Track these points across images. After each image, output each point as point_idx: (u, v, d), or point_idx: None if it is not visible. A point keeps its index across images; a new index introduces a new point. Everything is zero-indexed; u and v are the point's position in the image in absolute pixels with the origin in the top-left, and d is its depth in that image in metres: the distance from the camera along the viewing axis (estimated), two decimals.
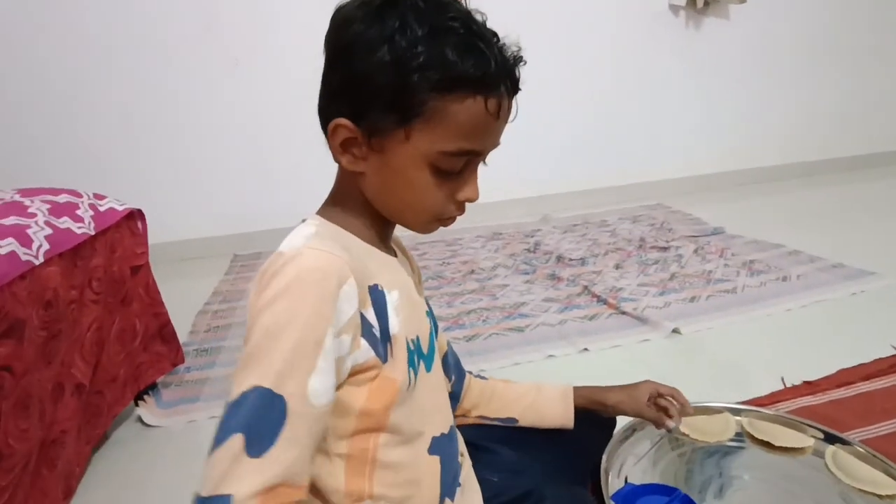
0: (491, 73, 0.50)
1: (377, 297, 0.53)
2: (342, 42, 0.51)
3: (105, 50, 2.01)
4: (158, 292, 1.17)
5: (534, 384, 0.84)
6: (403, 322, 0.56)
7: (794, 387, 1.11)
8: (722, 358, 1.27)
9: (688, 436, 0.97)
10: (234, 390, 0.46)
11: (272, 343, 0.46)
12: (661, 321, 1.39)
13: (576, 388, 0.83)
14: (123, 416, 1.16)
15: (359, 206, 0.57)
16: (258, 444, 0.45)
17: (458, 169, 0.54)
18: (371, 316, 0.52)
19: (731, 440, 0.95)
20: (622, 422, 0.95)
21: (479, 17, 0.53)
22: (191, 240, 2.23)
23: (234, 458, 0.44)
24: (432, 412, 0.62)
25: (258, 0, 2.09)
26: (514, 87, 0.53)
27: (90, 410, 0.99)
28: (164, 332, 1.20)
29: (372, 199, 0.56)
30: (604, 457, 0.88)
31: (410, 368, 0.57)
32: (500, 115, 0.53)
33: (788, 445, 0.92)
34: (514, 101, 0.55)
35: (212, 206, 2.24)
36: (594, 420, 0.93)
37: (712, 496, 0.85)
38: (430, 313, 0.66)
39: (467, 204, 0.57)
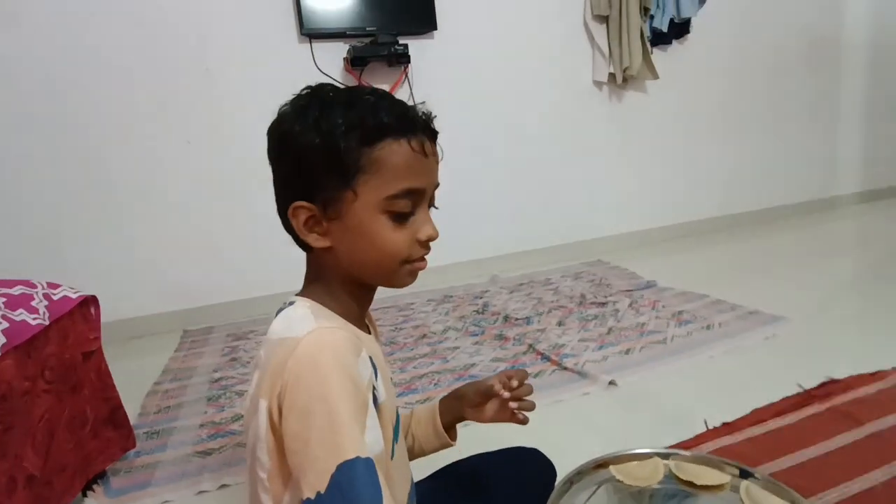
0: (406, 117, 0.59)
1: (372, 368, 0.59)
2: (280, 140, 0.61)
3: (49, 125, 2.05)
4: (110, 376, 1.19)
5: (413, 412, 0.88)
6: (387, 392, 0.63)
7: (715, 428, 1.22)
8: (653, 405, 1.37)
9: (621, 482, 1.06)
10: (319, 476, 0.49)
11: (332, 419, 0.51)
12: (598, 375, 1.50)
13: (441, 401, 0.87)
14: None
15: (337, 282, 0.63)
16: (374, 501, 0.50)
17: (409, 210, 0.60)
18: (376, 384, 0.59)
19: (660, 483, 1.04)
20: (563, 467, 1.03)
21: (422, 109, 0.62)
22: (138, 318, 2.21)
23: None
24: (401, 482, 0.69)
25: (210, 82, 2.21)
26: (430, 130, 0.62)
27: (40, 503, 0.98)
28: (116, 416, 1.20)
29: (347, 268, 0.62)
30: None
31: (394, 438, 0.64)
32: (426, 153, 0.60)
33: (709, 483, 1.02)
34: (438, 146, 0.63)
35: (159, 282, 2.25)
36: (539, 470, 1.01)
37: None
38: (392, 383, 0.73)
39: (424, 262, 0.63)
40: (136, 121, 2.14)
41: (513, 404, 0.82)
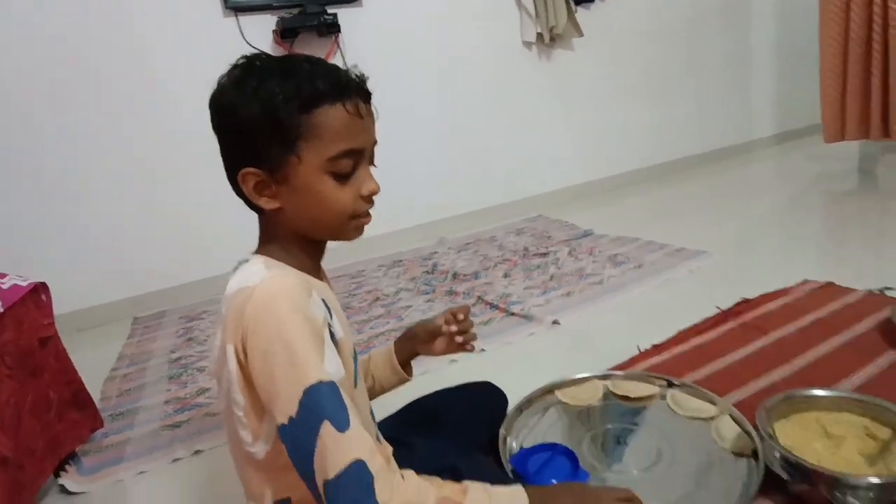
0: (339, 82, 0.63)
1: (326, 309, 0.65)
2: (221, 112, 0.65)
3: None
4: (69, 359, 1.20)
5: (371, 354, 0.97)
6: (344, 332, 0.68)
7: (646, 351, 1.37)
8: (593, 338, 1.51)
9: (566, 403, 1.18)
10: (288, 403, 0.56)
11: (291, 353, 0.57)
12: (543, 317, 1.62)
13: (395, 342, 0.96)
14: (46, 490, 1.16)
15: (289, 240, 0.68)
16: (342, 421, 0.56)
17: (350, 169, 0.64)
18: (332, 322, 0.64)
19: (600, 400, 1.17)
20: (515, 399, 1.14)
21: (354, 72, 0.66)
22: (86, 308, 2.17)
23: (334, 439, 0.55)
24: (364, 407, 0.76)
25: (140, 62, 2.13)
26: (364, 92, 0.65)
27: (14, 487, 1.00)
28: (79, 398, 1.22)
29: (297, 226, 0.67)
30: (501, 430, 1.06)
31: (355, 372, 0.71)
32: (362, 114, 0.64)
33: (641, 395, 1.16)
34: (373, 106, 0.67)
35: (103, 271, 2.20)
36: (491, 401, 1.11)
37: (588, 442, 1.05)
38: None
39: (369, 217, 0.68)
40: (68, 104, 2.05)
41: (458, 338, 0.92)
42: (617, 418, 1.12)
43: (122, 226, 2.20)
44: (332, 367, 0.60)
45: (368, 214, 0.69)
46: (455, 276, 2.10)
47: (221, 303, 0.66)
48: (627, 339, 1.44)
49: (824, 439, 0.91)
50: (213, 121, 0.66)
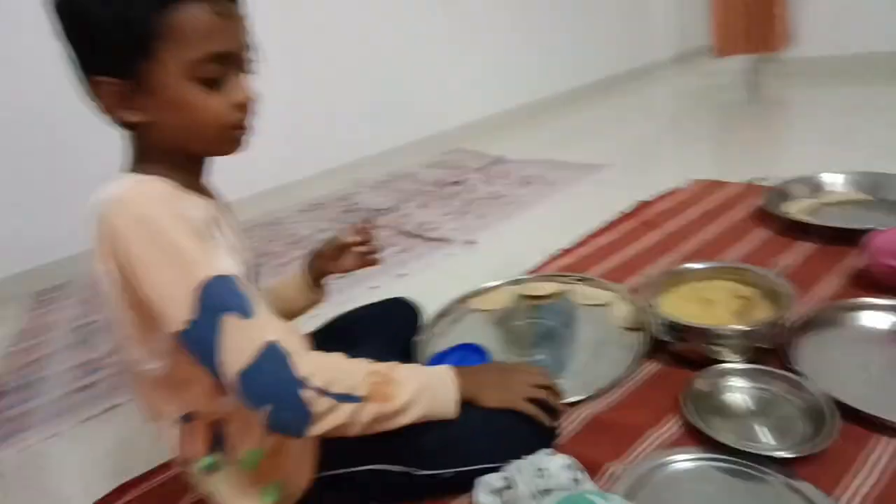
0: None
1: (212, 220, 0.62)
2: (71, 15, 0.58)
3: None
4: None
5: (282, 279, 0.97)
6: (241, 244, 0.67)
7: (554, 256, 1.45)
8: (507, 253, 1.58)
9: (480, 309, 1.25)
10: (181, 306, 0.54)
11: (174, 254, 0.54)
12: (458, 238, 1.67)
13: (303, 262, 0.96)
14: None
15: (161, 156, 0.62)
16: (246, 308, 0.55)
17: (219, 74, 0.59)
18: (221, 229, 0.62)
19: (510, 303, 1.25)
20: (431, 308, 1.19)
21: None
22: None
23: (240, 328, 0.54)
24: None
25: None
26: None
27: None
28: None
29: (171, 141, 0.61)
30: (416, 339, 1.11)
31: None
32: (228, 14, 0.59)
33: (549, 293, 1.24)
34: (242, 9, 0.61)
35: None
36: (405, 315, 1.14)
37: (500, 339, 1.12)
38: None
39: (248, 128, 0.64)
40: None
41: (363, 247, 0.92)
42: (526, 315, 1.20)
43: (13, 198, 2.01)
44: (224, 263, 0.58)
45: (246, 126, 0.65)
46: (374, 212, 2.10)
47: (91, 217, 0.60)
48: (538, 249, 1.51)
49: (700, 304, 1.02)
50: (59, 27, 0.59)
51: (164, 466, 0.93)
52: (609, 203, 1.72)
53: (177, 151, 0.63)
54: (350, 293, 1.48)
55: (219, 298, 0.56)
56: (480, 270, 1.50)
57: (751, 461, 0.72)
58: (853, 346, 0.90)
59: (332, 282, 1.00)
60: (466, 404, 0.71)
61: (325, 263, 0.95)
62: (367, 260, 0.95)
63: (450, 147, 2.96)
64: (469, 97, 3.14)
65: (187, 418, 0.67)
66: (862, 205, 1.38)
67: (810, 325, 0.94)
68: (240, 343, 0.55)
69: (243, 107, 0.63)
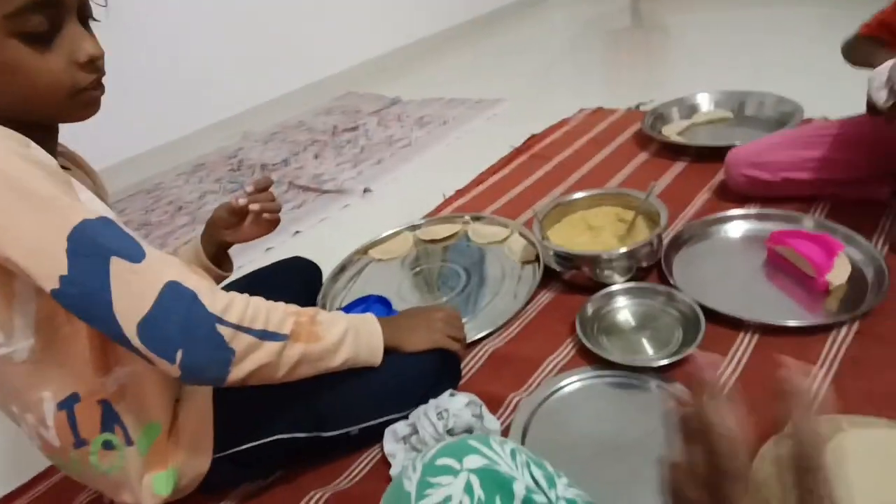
0: None
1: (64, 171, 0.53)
2: None
3: None
4: None
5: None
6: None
7: (450, 197, 1.45)
8: (404, 198, 1.55)
9: (380, 259, 1.23)
10: (51, 260, 0.46)
11: (35, 201, 0.46)
12: (355, 187, 1.62)
13: (201, 236, 0.86)
14: None
15: None
16: (134, 250, 0.48)
17: (47, 27, 0.50)
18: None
19: (410, 249, 1.24)
20: (332, 264, 1.15)
21: None
22: None
23: (132, 272, 0.47)
24: None
25: None
26: None
27: None
28: None
29: (1, 109, 0.51)
30: (318, 298, 1.08)
31: None
32: None
33: (446, 234, 1.24)
34: None
35: None
36: (305, 274, 1.09)
37: (404, 286, 1.11)
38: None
39: (100, 89, 0.55)
40: None
41: (266, 214, 0.83)
42: (427, 259, 1.20)
43: None
44: (96, 206, 0.51)
45: (98, 85, 0.55)
46: (263, 167, 1.97)
47: None
48: (436, 192, 1.50)
49: (588, 232, 1.06)
50: None
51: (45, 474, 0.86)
52: (503, 138, 1.73)
53: (14, 120, 0.52)
54: (243, 258, 1.39)
55: (101, 242, 0.49)
56: (379, 219, 1.46)
57: (634, 373, 0.78)
58: (717, 256, 0.98)
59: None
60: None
61: (222, 233, 0.85)
62: (269, 222, 0.86)
63: (341, 91, 2.81)
64: (358, 37, 2.97)
65: (67, 403, 0.59)
66: (727, 122, 1.48)
67: (682, 240, 1.01)
68: (135, 288, 0.49)
69: (91, 64, 0.54)
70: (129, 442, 0.63)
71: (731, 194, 1.13)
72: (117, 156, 2.09)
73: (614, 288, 0.91)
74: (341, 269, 1.19)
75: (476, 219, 1.26)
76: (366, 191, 1.60)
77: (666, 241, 0.99)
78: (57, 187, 0.49)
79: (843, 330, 0.77)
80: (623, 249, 0.93)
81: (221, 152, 2.28)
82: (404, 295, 1.09)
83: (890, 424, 0.63)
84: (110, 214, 0.52)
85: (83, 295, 0.48)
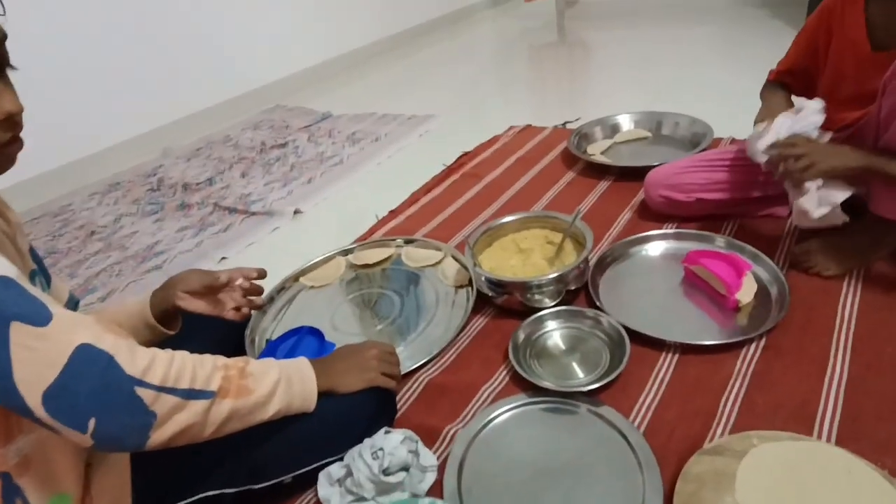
0: None
1: None
2: None
3: None
4: None
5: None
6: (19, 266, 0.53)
7: (383, 218, 1.43)
8: (336, 219, 1.52)
9: (311, 286, 1.20)
10: None
11: None
12: (284, 208, 1.57)
13: (154, 291, 0.81)
14: None
15: None
16: (38, 312, 0.45)
17: None
18: None
19: (342, 276, 1.21)
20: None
21: None
22: None
23: (36, 337, 0.43)
24: None
25: None
26: None
27: None
28: None
29: None
30: (247, 331, 1.03)
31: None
32: None
33: (379, 259, 1.23)
34: None
35: None
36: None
37: (337, 315, 1.09)
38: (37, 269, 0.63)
39: (17, 143, 0.52)
40: None
41: (241, 300, 0.81)
42: (360, 286, 1.18)
43: None
44: None
45: (16, 140, 0.52)
46: (186, 186, 1.88)
47: None
48: (369, 212, 1.48)
49: (518, 255, 1.08)
50: None
51: None
52: (435, 156, 1.74)
53: None
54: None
55: None
56: (310, 242, 1.43)
57: (565, 398, 0.80)
58: (639, 276, 1.03)
59: (142, 280, 0.86)
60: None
61: (176, 296, 0.78)
62: (235, 311, 0.82)
63: (268, 104, 2.73)
64: (286, 48, 2.89)
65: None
66: (647, 141, 1.56)
67: (607, 261, 1.05)
68: (40, 356, 0.45)
69: (3, 122, 0.50)
70: None
71: (650, 214, 1.19)
72: (18, 174, 1.92)
73: (545, 313, 0.94)
74: (271, 298, 1.15)
75: (409, 242, 1.26)
76: (296, 212, 1.56)
77: (592, 263, 1.03)
78: None
79: (752, 346, 0.83)
80: (552, 275, 0.95)
81: (139, 170, 2.15)
82: (338, 324, 1.07)
83: (793, 437, 0.68)
84: (11, 272, 0.47)
85: None
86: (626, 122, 1.61)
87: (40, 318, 0.46)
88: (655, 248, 1.07)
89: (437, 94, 2.42)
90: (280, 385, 0.63)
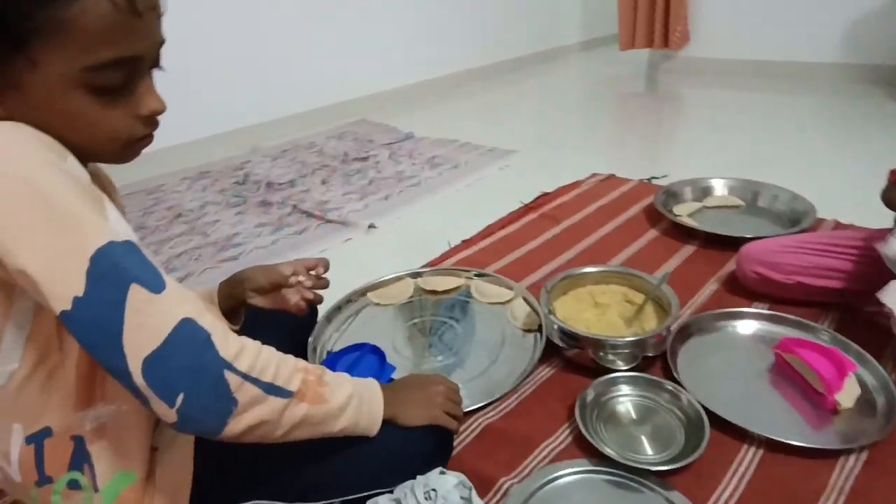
0: None
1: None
2: None
3: None
4: None
5: None
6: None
7: (456, 246, 1.43)
8: (408, 239, 1.53)
9: (378, 303, 1.20)
10: (68, 279, 0.43)
11: (60, 215, 0.43)
12: (359, 221, 1.59)
13: (220, 285, 0.83)
14: None
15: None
16: (155, 280, 0.46)
17: (120, 82, 0.49)
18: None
19: (409, 297, 1.20)
20: (327, 300, 1.11)
21: None
22: None
23: (149, 303, 0.44)
24: None
25: None
26: None
27: None
28: None
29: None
30: (310, 339, 1.04)
31: None
32: (138, 10, 0.48)
33: (447, 287, 1.21)
34: None
35: None
36: (296, 318, 1.05)
37: (398, 337, 1.08)
38: None
39: (150, 139, 0.54)
40: None
41: (308, 294, 0.82)
42: (425, 312, 1.16)
43: None
44: (122, 227, 0.48)
45: (149, 136, 0.55)
46: (269, 185, 1.95)
47: None
48: (441, 237, 1.48)
49: (593, 309, 1.04)
50: None
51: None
52: (512, 191, 1.72)
53: None
54: None
55: (123, 267, 0.46)
56: (380, 258, 1.44)
57: (633, 473, 0.74)
58: (724, 353, 0.96)
59: (218, 269, 0.89)
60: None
61: (246, 291, 0.81)
62: (297, 306, 0.83)
63: (354, 117, 2.82)
64: (377, 66, 2.99)
65: (37, 437, 0.54)
66: (738, 210, 1.49)
67: (689, 332, 0.99)
68: (149, 321, 0.46)
69: (151, 119, 0.53)
70: (95, 488, 0.58)
71: (739, 289, 1.12)
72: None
73: (619, 375, 0.89)
74: (337, 308, 1.15)
75: (480, 275, 1.24)
76: (370, 226, 1.58)
77: (673, 330, 0.97)
78: (87, 204, 0.46)
79: (852, 458, 0.75)
80: (631, 338, 0.90)
81: (228, 163, 2.26)
82: (398, 346, 1.06)
83: None
84: (134, 238, 0.50)
85: (94, 320, 0.45)
86: (719, 187, 1.55)
87: (156, 285, 0.47)
88: (746, 327, 1.00)
89: (519, 130, 2.42)
90: (352, 401, 0.62)
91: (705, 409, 0.81)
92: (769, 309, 1.04)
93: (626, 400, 0.87)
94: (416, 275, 1.26)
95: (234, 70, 2.41)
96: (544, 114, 2.70)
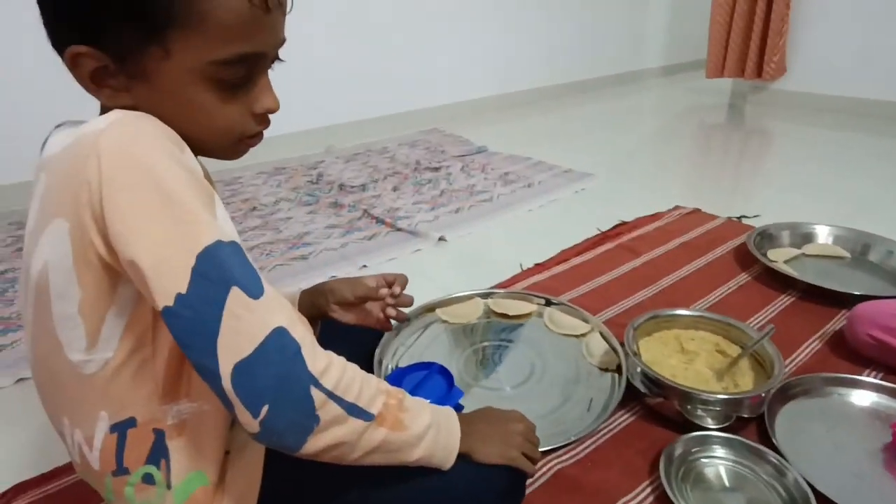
0: None
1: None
2: None
3: None
4: None
5: None
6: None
7: (528, 269, 1.37)
8: (478, 256, 1.49)
9: (446, 321, 1.16)
10: (174, 275, 0.43)
11: (175, 209, 0.43)
12: (429, 232, 1.57)
13: (302, 293, 0.83)
14: None
15: None
16: (255, 284, 0.45)
17: (242, 77, 0.50)
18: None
19: (479, 318, 1.16)
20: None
21: None
22: None
23: (247, 308, 0.44)
24: None
25: None
26: None
27: None
28: None
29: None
30: (377, 351, 1.01)
31: None
32: (269, 6, 0.48)
33: (519, 313, 1.16)
34: None
35: None
36: (364, 329, 1.02)
37: (465, 359, 1.03)
38: None
39: (260, 136, 0.54)
40: None
41: (391, 311, 0.81)
42: (494, 335, 1.11)
43: None
44: (229, 227, 0.47)
45: (260, 134, 0.55)
46: (342, 187, 1.96)
47: (38, 170, 0.50)
48: (512, 257, 1.43)
49: (680, 355, 0.96)
50: None
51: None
52: (588, 217, 1.66)
53: None
54: (307, 280, 1.35)
55: (227, 268, 0.44)
56: (449, 273, 1.41)
57: None
58: (831, 423, 0.86)
59: (289, 266, 0.88)
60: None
61: (330, 304, 0.81)
62: (383, 322, 0.84)
63: (429, 126, 2.82)
64: (455, 77, 2.99)
65: (121, 427, 0.54)
66: (843, 262, 1.36)
67: (793, 393, 0.90)
68: (246, 326, 0.44)
69: (264, 117, 0.53)
70: (168, 485, 0.57)
71: (849, 352, 1.01)
72: None
73: (712, 434, 0.81)
74: (407, 320, 1.12)
75: (554, 303, 1.18)
76: (440, 239, 1.55)
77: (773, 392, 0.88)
78: (199, 199, 0.45)
79: None
80: (725, 395, 0.82)
81: (303, 161, 2.30)
82: (464, 369, 1.01)
83: None
84: (238, 239, 0.48)
85: (194, 319, 0.44)
86: (822, 234, 1.42)
87: (256, 290, 0.45)
88: (861, 398, 0.89)
89: (594, 153, 2.34)
90: (430, 430, 0.58)
91: (812, 488, 0.72)
92: (882, 378, 0.93)
93: (719, 463, 0.78)
94: (486, 295, 1.22)
95: (316, 70, 2.46)
96: (621, 138, 2.61)
